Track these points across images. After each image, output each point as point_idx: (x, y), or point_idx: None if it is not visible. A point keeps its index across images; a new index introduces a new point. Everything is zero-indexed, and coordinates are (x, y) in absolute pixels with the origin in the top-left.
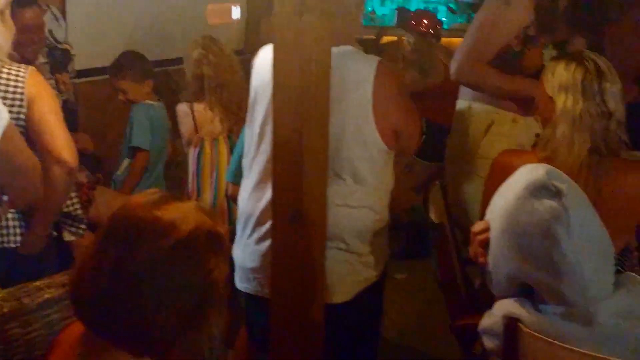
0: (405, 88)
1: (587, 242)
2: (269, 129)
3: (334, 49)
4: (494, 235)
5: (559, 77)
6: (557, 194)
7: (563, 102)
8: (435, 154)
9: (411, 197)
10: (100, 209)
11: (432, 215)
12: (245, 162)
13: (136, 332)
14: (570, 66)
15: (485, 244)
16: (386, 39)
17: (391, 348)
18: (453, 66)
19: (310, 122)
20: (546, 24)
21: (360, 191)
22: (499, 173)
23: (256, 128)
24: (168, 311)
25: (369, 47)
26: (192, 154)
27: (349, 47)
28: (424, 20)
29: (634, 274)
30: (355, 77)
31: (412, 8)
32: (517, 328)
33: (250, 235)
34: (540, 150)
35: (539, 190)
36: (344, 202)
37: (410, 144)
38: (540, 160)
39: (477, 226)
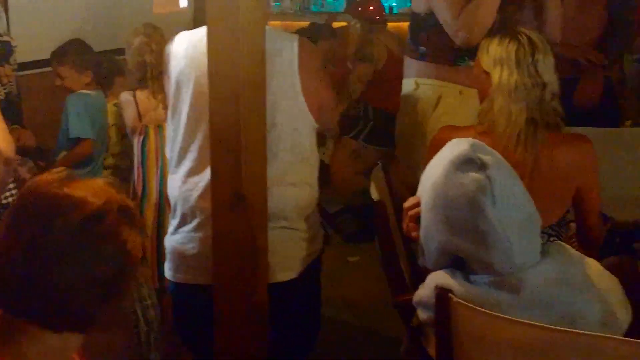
0: (359, 79)
1: (513, 211)
2: (199, 116)
3: None
4: (424, 209)
5: (494, 52)
6: (481, 166)
7: (499, 75)
8: (382, 139)
9: (360, 181)
10: None
11: (372, 194)
12: (174, 152)
13: (55, 308)
14: (504, 41)
15: (417, 219)
16: (336, 24)
17: (345, 328)
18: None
19: (247, 104)
20: None
21: (297, 167)
22: (438, 149)
23: (183, 117)
24: (86, 284)
25: (320, 32)
26: (136, 142)
27: (268, 26)
28: (370, 7)
29: (562, 243)
30: (281, 55)
31: None
32: (448, 298)
33: (189, 222)
34: (478, 123)
35: (464, 163)
36: (283, 180)
37: (333, 117)
38: (479, 134)
39: (408, 201)
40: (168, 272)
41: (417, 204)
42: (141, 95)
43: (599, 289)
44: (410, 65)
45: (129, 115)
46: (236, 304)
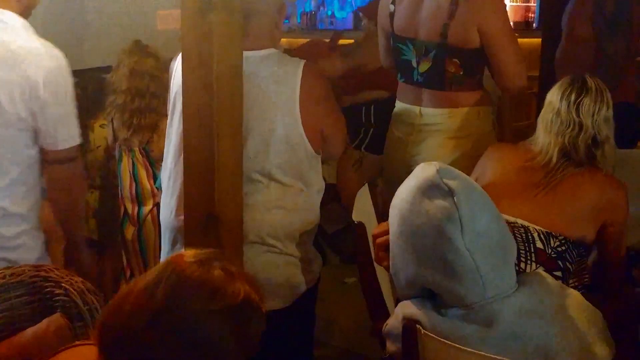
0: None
1: (483, 239)
2: None
3: (259, 53)
4: (392, 238)
5: (552, 91)
6: (448, 192)
7: (544, 107)
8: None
9: None
10: None
11: (353, 214)
12: (164, 174)
13: None
14: (564, 82)
15: (386, 247)
16: (342, 41)
17: (339, 354)
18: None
19: (223, 123)
20: None
21: (292, 193)
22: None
23: (174, 137)
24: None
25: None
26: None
27: (272, 50)
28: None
29: (541, 272)
30: (282, 80)
31: None
32: (416, 330)
33: (179, 249)
34: (528, 143)
35: (430, 189)
36: (277, 205)
37: (336, 147)
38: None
39: (376, 228)
40: None
41: (386, 232)
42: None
43: (577, 322)
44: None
45: (107, 137)
46: None
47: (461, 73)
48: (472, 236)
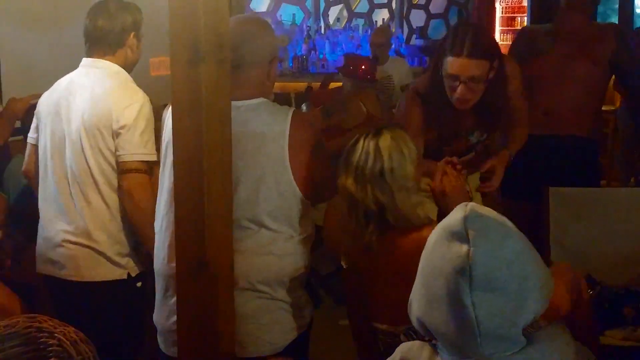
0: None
1: (495, 296)
2: None
3: (248, 102)
4: (419, 266)
5: None
6: (466, 240)
7: None
8: None
9: None
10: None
11: (342, 260)
12: (157, 222)
13: None
14: None
15: None
16: (333, 84)
17: None
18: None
19: (212, 170)
20: None
21: (282, 239)
22: None
23: (166, 183)
24: None
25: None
26: None
27: (263, 100)
28: (362, 66)
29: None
30: (270, 128)
31: (364, 53)
32: None
33: (171, 296)
34: None
35: (452, 233)
36: (267, 251)
37: (326, 192)
38: None
39: None
40: (161, 345)
41: None
42: None
43: None
44: None
45: None
46: None
47: None
48: (482, 292)
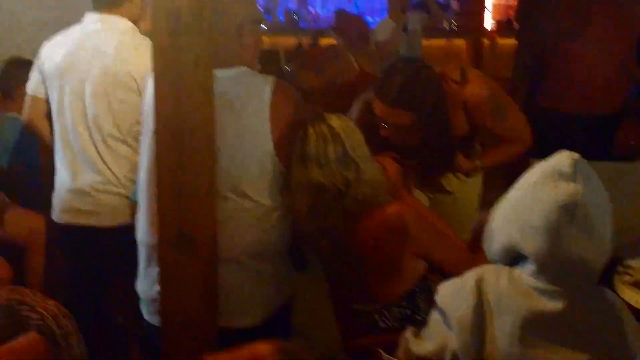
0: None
1: (587, 235)
2: None
3: (230, 71)
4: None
5: None
6: (575, 182)
7: None
8: None
9: None
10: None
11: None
12: (140, 190)
13: None
14: None
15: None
16: (324, 40)
17: None
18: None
19: (194, 144)
20: None
21: (264, 211)
22: None
23: (146, 152)
24: None
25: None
26: None
27: (244, 68)
28: (353, 25)
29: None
30: (252, 98)
31: (355, 8)
32: None
33: (154, 266)
34: None
35: (561, 174)
36: (250, 223)
37: None
38: None
39: None
40: (145, 313)
41: None
42: None
43: None
44: None
45: None
46: (184, 346)
47: None
48: (576, 230)
